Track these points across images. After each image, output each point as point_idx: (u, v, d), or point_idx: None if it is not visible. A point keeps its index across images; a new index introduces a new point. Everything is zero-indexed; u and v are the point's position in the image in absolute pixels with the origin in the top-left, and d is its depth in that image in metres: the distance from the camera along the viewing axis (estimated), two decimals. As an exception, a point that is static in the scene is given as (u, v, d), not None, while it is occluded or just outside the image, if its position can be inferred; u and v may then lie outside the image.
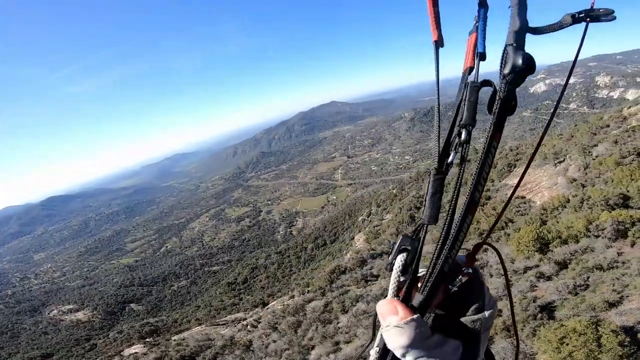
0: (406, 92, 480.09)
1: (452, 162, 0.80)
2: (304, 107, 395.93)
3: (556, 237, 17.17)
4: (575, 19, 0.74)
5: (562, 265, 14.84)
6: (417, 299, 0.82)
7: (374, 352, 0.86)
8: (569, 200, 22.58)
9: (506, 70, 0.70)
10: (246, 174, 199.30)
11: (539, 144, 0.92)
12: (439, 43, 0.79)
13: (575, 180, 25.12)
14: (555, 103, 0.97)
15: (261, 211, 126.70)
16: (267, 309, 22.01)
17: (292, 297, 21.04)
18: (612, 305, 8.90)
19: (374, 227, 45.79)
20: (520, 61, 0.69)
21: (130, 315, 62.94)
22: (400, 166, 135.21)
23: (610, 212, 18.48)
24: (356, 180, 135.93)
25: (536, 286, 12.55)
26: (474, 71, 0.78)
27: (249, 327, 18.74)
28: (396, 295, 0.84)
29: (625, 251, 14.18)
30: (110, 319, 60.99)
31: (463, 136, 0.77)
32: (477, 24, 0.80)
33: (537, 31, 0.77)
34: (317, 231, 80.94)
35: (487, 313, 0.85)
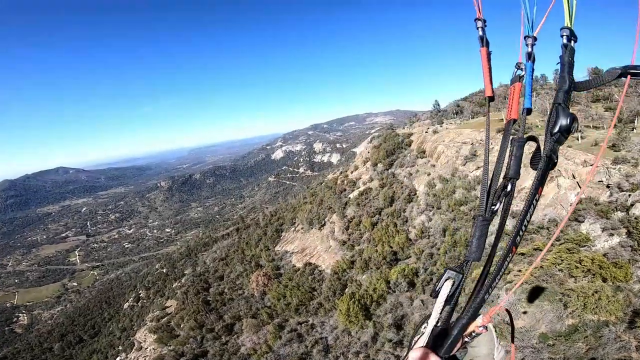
0: (164, 158, 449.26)
1: (497, 211, 0.91)
2: (11, 173, 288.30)
3: (371, 300, 16.71)
4: (617, 75, 0.79)
5: (398, 326, 14.43)
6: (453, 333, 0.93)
7: None
8: (353, 262, 21.75)
9: (555, 130, 0.76)
10: None
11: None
12: (491, 99, 0.90)
13: (345, 242, 24.29)
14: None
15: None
16: None
17: None
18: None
19: (159, 319, 40.63)
20: (567, 121, 0.76)
21: None
22: (162, 240, 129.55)
23: (391, 268, 18.09)
24: (105, 261, 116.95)
25: (398, 355, 11.42)
26: (521, 126, 0.84)
27: None
28: (444, 318, 1.01)
29: (423, 298, 15.52)
30: None
31: (509, 188, 0.87)
32: (521, 74, 0.87)
33: (578, 88, 0.84)
34: (61, 326, 64.59)
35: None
